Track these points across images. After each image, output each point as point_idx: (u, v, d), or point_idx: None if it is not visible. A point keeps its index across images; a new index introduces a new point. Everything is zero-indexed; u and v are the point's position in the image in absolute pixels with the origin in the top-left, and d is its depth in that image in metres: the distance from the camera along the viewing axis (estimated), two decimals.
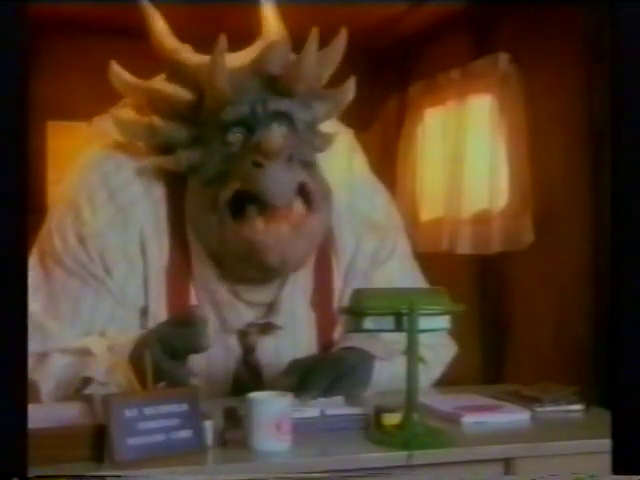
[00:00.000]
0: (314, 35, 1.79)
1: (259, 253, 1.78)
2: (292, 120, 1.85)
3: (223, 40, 1.75)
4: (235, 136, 1.83)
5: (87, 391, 1.73)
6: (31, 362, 1.69)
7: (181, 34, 1.93)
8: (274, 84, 1.83)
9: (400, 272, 2.08)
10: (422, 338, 1.48)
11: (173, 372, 1.64)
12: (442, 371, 2.07)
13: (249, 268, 1.86)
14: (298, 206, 1.82)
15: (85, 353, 1.78)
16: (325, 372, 1.77)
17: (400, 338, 1.61)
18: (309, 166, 1.87)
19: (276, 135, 1.75)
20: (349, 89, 1.94)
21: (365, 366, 1.87)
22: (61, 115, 4.48)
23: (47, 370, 1.79)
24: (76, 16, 4.12)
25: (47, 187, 4.41)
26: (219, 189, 1.81)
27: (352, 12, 3.88)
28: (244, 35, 1.93)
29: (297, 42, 1.88)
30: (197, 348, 1.67)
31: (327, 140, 1.96)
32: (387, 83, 4.80)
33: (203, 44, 1.88)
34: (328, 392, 1.74)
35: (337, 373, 1.78)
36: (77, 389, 1.75)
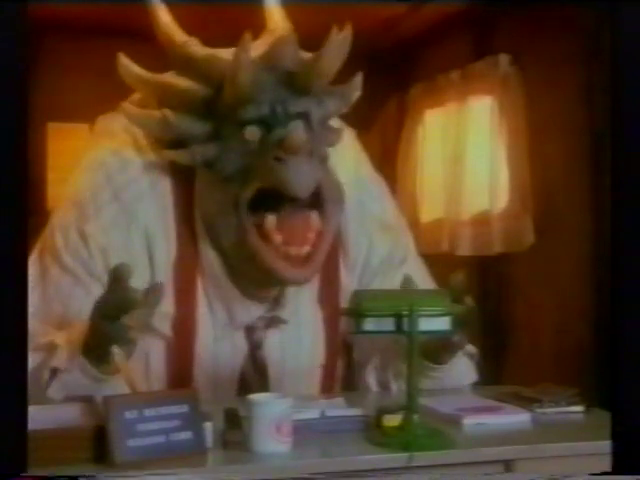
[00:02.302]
0: (335, 32, 1.80)
1: (274, 270, 1.78)
2: (309, 118, 1.86)
3: (248, 38, 1.75)
4: (252, 132, 1.82)
5: (55, 382, 1.70)
6: None
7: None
8: (291, 81, 1.83)
9: (419, 273, 2.08)
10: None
11: (111, 333, 1.58)
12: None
13: (259, 273, 1.85)
14: (315, 219, 1.82)
15: (51, 347, 1.75)
16: None
17: None
18: (324, 161, 1.88)
19: (299, 131, 1.77)
20: (357, 85, 1.96)
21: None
22: (61, 116, 4.48)
23: None
24: (76, 16, 4.12)
25: (47, 189, 4.41)
26: (240, 187, 1.81)
27: (352, 13, 3.86)
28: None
29: (300, 42, 1.88)
30: (127, 304, 1.56)
31: (337, 134, 1.98)
32: (387, 84, 4.80)
33: (206, 44, 1.88)
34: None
35: None
36: (46, 382, 1.71)
